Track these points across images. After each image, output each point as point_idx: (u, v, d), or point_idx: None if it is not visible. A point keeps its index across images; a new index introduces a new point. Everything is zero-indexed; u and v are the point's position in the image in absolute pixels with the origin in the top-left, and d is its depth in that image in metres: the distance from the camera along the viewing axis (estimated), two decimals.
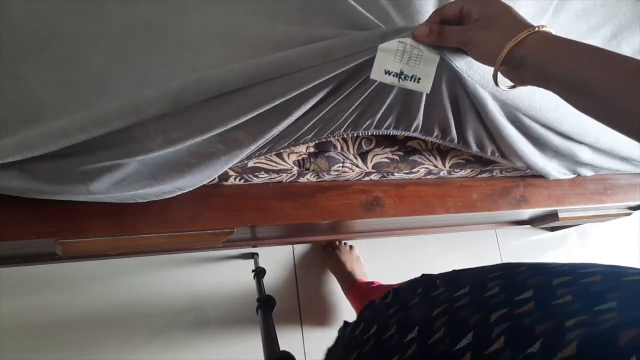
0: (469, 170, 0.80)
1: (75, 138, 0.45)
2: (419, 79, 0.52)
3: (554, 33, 0.44)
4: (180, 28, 0.52)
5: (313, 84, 0.50)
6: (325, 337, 1.25)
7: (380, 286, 1.14)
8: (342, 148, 0.69)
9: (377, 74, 0.52)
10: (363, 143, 0.70)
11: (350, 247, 1.34)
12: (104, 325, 1.12)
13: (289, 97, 0.50)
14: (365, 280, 1.23)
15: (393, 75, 0.51)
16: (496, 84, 0.48)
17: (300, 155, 0.67)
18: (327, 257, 1.31)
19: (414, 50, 0.50)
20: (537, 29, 0.43)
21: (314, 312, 1.28)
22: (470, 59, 0.53)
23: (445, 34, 0.48)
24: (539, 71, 0.43)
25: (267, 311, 1.01)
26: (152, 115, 0.46)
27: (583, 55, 0.41)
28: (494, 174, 0.84)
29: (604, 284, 0.38)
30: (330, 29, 0.51)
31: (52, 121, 0.46)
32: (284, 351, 0.81)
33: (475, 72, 0.54)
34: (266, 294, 1.08)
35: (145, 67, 0.50)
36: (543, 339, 0.35)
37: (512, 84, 0.50)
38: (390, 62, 0.51)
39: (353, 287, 1.20)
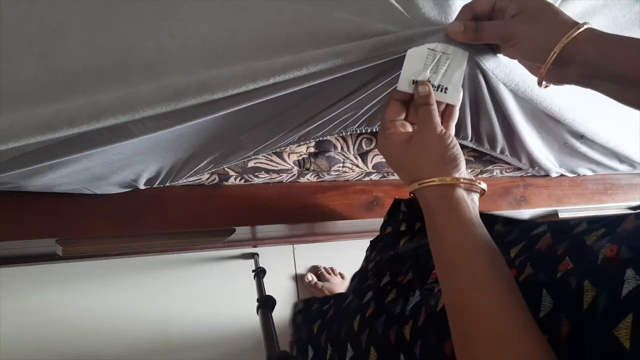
0: (469, 171, 0.80)
1: (63, 132, 0.43)
2: (446, 89, 0.49)
3: (597, 29, 0.42)
4: None
5: (331, 88, 0.49)
6: None
7: None
8: (342, 148, 0.69)
9: (404, 84, 0.49)
10: (363, 143, 0.70)
11: (341, 275, 1.31)
12: (104, 325, 1.11)
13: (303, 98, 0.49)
14: None
15: None
16: (540, 83, 0.46)
17: (301, 155, 0.67)
18: (317, 291, 1.27)
19: (442, 57, 0.48)
20: (584, 25, 0.41)
21: None
22: (499, 58, 0.51)
23: (482, 30, 0.45)
24: (589, 68, 0.42)
25: (267, 311, 1.01)
26: (147, 116, 0.44)
27: (638, 48, 0.39)
28: (494, 174, 0.84)
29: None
30: (345, 13, 0.48)
31: (34, 99, 0.43)
32: (284, 351, 0.81)
33: (501, 70, 0.52)
34: (266, 294, 1.08)
35: (130, 40, 0.46)
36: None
37: (545, 83, 0.47)
38: (418, 72, 0.48)
39: None
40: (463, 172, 0.45)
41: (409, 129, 0.49)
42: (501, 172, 0.84)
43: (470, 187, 0.45)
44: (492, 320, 0.36)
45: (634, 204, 1.02)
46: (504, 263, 0.40)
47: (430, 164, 0.45)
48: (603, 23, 0.71)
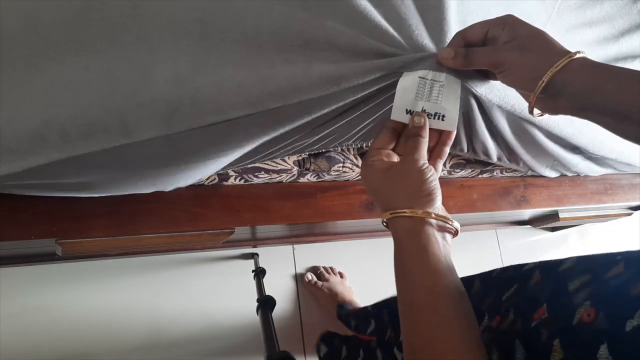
0: (469, 170, 0.80)
1: (54, 144, 0.41)
2: (443, 116, 0.48)
3: (591, 58, 0.41)
4: None
5: (323, 111, 0.48)
6: None
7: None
8: (342, 148, 0.69)
9: (398, 114, 0.48)
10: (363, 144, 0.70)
11: (340, 274, 1.30)
12: (104, 325, 1.11)
13: (295, 123, 0.47)
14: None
15: None
16: (531, 112, 0.45)
17: (301, 155, 0.67)
18: (317, 290, 1.26)
19: (434, 85, 0.47)
20: (576, 55, 0.40)
21: (314, 312, 1.28)
22: (492, 83, 0.50)
23: (473, 56, 0.44)
24: (580, 100, 0.41)
25: (267, 311, 1.01)
26: (142, 138, 0.43)
27: (631, 81, 0.38)
28: (494, 174, 0.84)
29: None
30: (338, 23, 0.47)
31: (25, 99, 0.41)
32: (284, 351, 0.81)
33: (495, 95, 0.52)
34: (266, 294, 1.08)
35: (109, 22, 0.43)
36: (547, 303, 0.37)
37: (539, 112, 0.46)
38: (411, 100, 0.47)
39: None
40: (437, 207, 0.44)
41: (394, 159, 0.49)
42: (501, 172, 0.84)
43: (443, 225, 0.44)
44: None
45: (634, 204, 1.02)
46: (469, 305, 0.40)
47: (404, 195, 0.44)
48: (605, 27, 0.71)
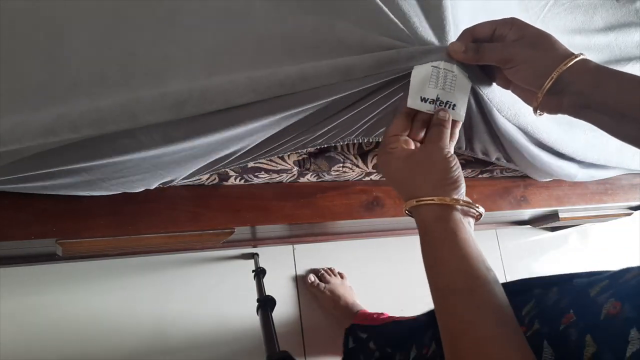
0: (469, 170, 0.80)
1: (64, 136, 0.42)
2: (454, 105, 0.49)
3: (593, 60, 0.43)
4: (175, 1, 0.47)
5: (328, 100, 0.48)
6: (326, 337, 1.25)
7: (391, 318, 1.11)
8: (342, 148, 0.69)
9: (413, 101, 0.49)
10: (363, 143, 0.70)
11: (341, 275, 1.30)
12: (104, 326, 1.12)
13: (302, 111, 0.48)
14: (369, 311, 1.19)
15: (429, 102, 0.49)
16: (535, 110, 0.46)
17: (301, 155, 0.67)
18: (320, 292, 1.26)
19: (447, 74, 0.48)
20: (580, 55, 0.42)
21: (314, 312, 1.28)
22: (494, 87, 0.51)
23: (484, 51, 0.46)
24: (582, 99, 0.42)
25: (267, 311, 1.01)
26: (149, 123, 0.44)
27: (630, 82, 0.40)
28: (494, 174, 0.84)
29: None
30: (348, 23, 0.48)
31: (37, 103, 0.43)
32: (284, 351, 0.81)
33: (495, 95, 0.52)
34: (266, 294, 1.08)
35: (134, 46, 0.46)
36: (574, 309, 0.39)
37: (540, 111, 0.47)
38: (426, 88, 0.48)
39: (359, 318, 1.16)
40: (462, 195, 0.45)
41: (412, 146, 0.49)
42: (501, 172, 0.84)
43: (468, 210, 0.45)
44: (487, 344, 0.36)
45: (634, 204, 1.02)
46: (501, 288, 0.40)
47: (431, 183, 0.45)
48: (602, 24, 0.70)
